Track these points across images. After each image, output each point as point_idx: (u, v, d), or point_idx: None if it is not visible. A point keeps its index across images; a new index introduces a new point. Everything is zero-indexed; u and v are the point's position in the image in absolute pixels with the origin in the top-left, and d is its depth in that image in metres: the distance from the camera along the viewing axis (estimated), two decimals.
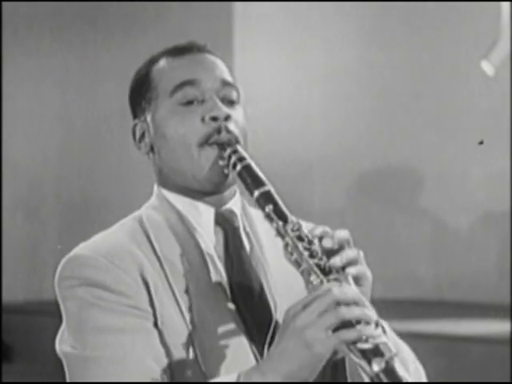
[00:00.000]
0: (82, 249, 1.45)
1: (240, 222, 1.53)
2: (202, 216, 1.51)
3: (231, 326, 1.41)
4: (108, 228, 1.53)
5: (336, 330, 1.23)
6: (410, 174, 5.91)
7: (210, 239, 1.50)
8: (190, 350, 1.39)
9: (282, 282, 1.47)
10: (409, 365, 1.49)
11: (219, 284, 1.45)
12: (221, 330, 1.41)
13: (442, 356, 4.07)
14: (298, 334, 1.24)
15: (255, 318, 1.43)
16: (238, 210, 1.54)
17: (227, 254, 1.49)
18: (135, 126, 1.57)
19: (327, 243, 1.33)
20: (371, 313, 1.26)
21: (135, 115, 1.58)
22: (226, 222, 1.51)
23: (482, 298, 5.32)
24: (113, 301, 1.39)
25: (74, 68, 6.33)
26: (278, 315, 1.42)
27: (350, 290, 1.27)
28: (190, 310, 1.41)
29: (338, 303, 1.24)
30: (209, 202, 1.51)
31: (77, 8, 6.28)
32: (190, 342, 1.39)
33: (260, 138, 6.27)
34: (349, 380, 1.39)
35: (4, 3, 5.96)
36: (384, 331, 1.31)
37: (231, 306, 1.44)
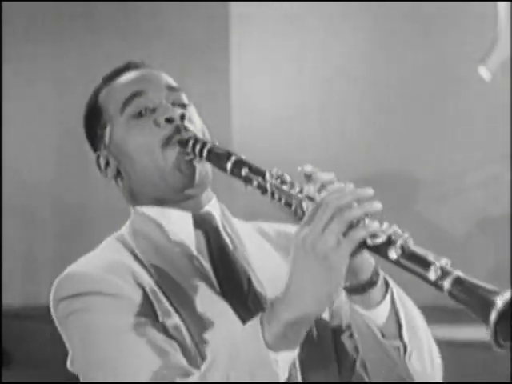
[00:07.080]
0: (73, 268, 1.46)
1: (220, 224, 1.54)
2: (179, 222, 1.52)
3: (225, 316, 1.42)
4: (103, 234, 1.55)
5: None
6: (406, 178, 5.91)
7: (191, 243, 1.50)
8: (189, 341, 1.39)
9: (267, 282, 1.48)
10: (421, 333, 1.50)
11: (208, 282, 1.46)
12: (215, 321, 1.41)
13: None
14: (311, 251, 1.20)
15: (247, 309, 1.44)
16: (216, 212, 1.55)
17: (211, 253, 1.50)
18: (98, 158, 1.59)
19: (310, 188, 1.34)
20: (374, 204, 1.24)
21: (94, 148, 1.60)
22: (205, 224, 1.52)
23: None
24: (112, 304, 1.39)
25: (71, 71, 6.33)
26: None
27: (346, 189, 1.25)
28: (185, 310, 1.41)
29: (339, 208, 1.22)
30: (185, 208, 1.52)
31: (74, 11, 6.28)
32: (189, 333, 1.40)
33: (256, 140, 6.27)
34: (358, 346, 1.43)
35: (3, 4, 5.96)
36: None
37: (222, 299, 1.45)
